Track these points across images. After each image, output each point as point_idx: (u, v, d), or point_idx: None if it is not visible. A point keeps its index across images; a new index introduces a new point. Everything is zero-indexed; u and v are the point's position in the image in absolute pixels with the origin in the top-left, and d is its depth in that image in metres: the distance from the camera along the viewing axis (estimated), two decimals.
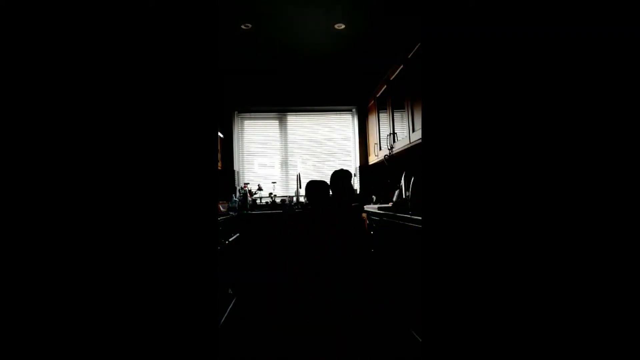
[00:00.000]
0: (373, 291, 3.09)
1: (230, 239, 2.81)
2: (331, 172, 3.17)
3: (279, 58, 3.68)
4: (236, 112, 4.07)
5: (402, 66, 2.74)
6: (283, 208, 3.80)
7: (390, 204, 2.96)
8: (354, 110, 4.20)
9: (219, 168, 3.74)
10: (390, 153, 3.15)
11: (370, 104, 3.90)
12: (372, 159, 3.88)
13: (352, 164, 4.18)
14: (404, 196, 2.88)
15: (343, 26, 3.02)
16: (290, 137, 4.14)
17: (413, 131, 2.55)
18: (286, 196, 4.04)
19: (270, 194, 3.96)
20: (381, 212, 2.63)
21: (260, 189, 3.89)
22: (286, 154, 4.13)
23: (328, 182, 3.30)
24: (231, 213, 3.30)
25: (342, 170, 3.22)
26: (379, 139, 3.54)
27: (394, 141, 3.04)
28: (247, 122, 4.12)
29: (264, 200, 3.96)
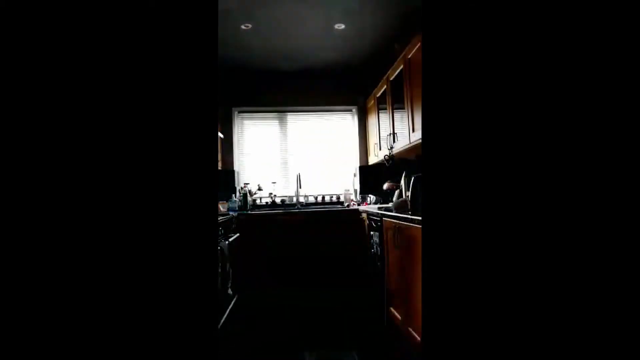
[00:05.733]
0: (372, 289, 3.09)
1: (230, 239, 2.80)
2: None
3: (279, 58, 3.68)
4: (236, 112, 4.07)
5: (402, 66, 2.74)
6: (283, 207, 3.80)
7: (390, 204, 2.95)
8: (354, 110, 4.20)
9: (219, 168, 3.74)
10: (390, 153, 3.15)
11: (370, 104, 3.89)
12: (372, 159, 3.88)
13: (352, 164, 4.18)
14: (403, 196, 2.88)
15: (343, 26, 3.02)
16: (290, 137, 4.14)
17: (413, 131, 2.54)
18: (286, 196, 4.04)
19: (270, 194, 3.96)
20: (381, 212, 2.63)
21: (260, 189, 3.89)
22: (286, 154, 4.13)
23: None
24: (231, 213, 3.30)
25: None
26: (379, 139, 3.53)
27: (394, 141, 3.04)
28: (247, 122, 4.12)
29: (264, 200, 3.96)
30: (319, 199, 4.06)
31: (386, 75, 3.17)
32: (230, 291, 2.77)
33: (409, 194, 2.41)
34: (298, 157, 4.14)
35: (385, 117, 3.30)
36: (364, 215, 3.30)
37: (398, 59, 2.82)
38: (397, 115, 2.97)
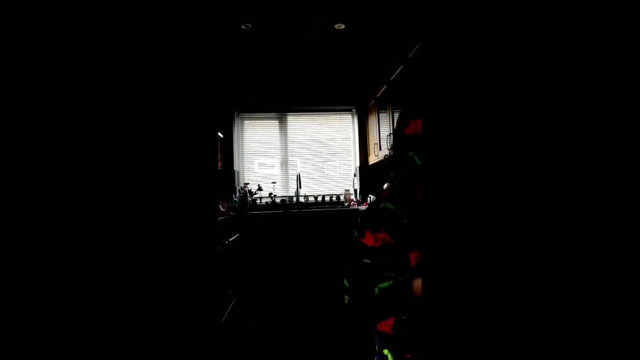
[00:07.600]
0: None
1: (230, 239, 2.80)
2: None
3: (278, 58, 3.68)
4: (236, 112, 4.07)
5: (402, 66, 2.74)
6: (283, 208, 3.80)
7: None
8: (354, 110, 4.20)
9: (219, 168, 3.74)
10: (390, 153, 3.15)
11: (370, 104, 3.90)
12: (372, 159, 3.88)
13: (352, 164, 4.18)
14: None
15: (343, 26, 3.02)
16: (290, 137, 4.14)
17: None
18: (286, 196, 4.04)
19: (270, 194, 3.96)
20: None
21: (260, 189, 3.89)
22: (286, 154, 4.13)
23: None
24: (231, 213, 3.30)
25: None
26: (379, 139, 3.54)
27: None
28: (247, 122, 4.12)
29: (264, 200, 3.96)
30: (319, 199, 4.06)
31: (386, 76, 3.17)
32: (230, 291, 2.77)
33: None
34: (298, 157, 4.14)
35: (385, 117, 3.30)
36: None
37: (397, 59, 2.82)
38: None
